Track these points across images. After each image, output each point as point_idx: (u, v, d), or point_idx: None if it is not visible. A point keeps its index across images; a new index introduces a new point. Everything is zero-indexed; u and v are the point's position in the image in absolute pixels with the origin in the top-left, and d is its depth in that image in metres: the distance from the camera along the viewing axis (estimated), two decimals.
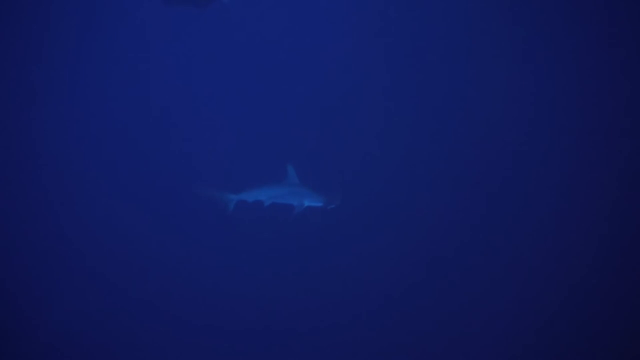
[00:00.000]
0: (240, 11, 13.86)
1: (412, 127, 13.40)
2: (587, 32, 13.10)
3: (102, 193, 13.21)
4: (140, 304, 12.14)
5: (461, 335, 11.78)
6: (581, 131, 12.81)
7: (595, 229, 12.24)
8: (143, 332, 11.85)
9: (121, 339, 11.81)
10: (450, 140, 13.18)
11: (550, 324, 11.71)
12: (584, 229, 12.27)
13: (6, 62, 13.60)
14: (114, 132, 13.73)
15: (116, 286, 12.29)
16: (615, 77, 12.85)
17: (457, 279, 12.18)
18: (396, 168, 13.16)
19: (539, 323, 11.73)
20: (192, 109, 13.97)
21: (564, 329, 11.62)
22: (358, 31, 14.00)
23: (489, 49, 13.44)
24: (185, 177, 13.04)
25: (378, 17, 14.00)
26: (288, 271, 12.41)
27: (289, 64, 14.06)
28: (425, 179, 12.97)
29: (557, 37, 13.24)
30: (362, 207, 12.64)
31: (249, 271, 12.46)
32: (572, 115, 12.95)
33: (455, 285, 12.14)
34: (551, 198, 12.56)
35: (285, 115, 13.72)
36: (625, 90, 12.80)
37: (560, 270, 12.06)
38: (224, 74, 14.17)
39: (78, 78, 14.00)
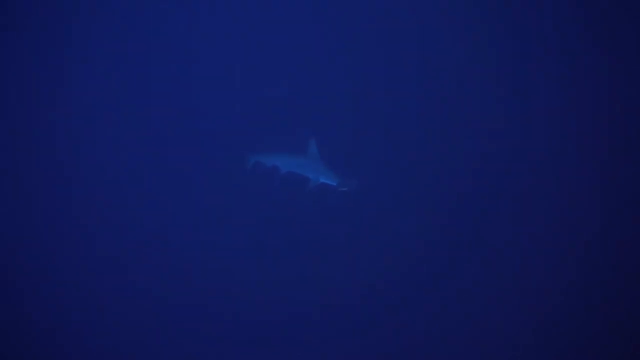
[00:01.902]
0: None
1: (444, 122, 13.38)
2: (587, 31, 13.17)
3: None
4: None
5: (464, 334, 11.86)
6: (582, 131, 12.87)
7: (597, 230, 12.29)
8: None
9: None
10: (476, 135, 13.18)
11: (555, 325, 11.77)
12: (587, 230, 12.33)
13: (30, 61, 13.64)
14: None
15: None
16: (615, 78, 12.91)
17: (466, 276, 12.24)
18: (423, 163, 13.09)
19: (546, 325, 11.79)
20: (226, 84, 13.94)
21: (568, 329, 11.68)
22: (390, 17, 13.91)
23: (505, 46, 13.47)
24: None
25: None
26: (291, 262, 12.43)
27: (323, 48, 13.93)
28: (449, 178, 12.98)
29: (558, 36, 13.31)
30: (379, 196, 12.64)
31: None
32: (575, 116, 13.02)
33: (461, 282, 12.20)
34: (561, 198, 12.62)
35: (316, 92, 13.63)
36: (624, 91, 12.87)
37: (565, 271, 12.11)
38: (258, 51, 14.08)
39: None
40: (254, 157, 12.03)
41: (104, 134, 13.46)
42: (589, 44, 13.07)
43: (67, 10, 13.84)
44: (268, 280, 12.19)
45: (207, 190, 12.96)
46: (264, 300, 12.07)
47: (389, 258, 12.33)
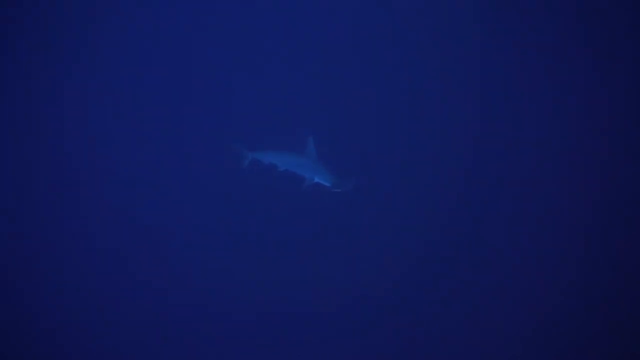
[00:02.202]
0: None
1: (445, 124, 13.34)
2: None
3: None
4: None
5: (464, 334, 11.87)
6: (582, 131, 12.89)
7: (597, 230, 12.30)
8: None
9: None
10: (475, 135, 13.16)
11: (555, 325, 11.77)
12: (587, 230, 12.33)
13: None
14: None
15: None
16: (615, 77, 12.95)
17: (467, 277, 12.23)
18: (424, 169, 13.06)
19: (545, 325, 11.80)
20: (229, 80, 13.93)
21: (568, 329, 11.69)
22: (390, 17, 13.87)
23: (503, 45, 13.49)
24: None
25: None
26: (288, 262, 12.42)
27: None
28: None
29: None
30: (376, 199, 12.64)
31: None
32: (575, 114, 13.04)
33: (462, 282, 12.20)
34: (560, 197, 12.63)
35: (316, 91, 13.59)
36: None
37: (565, 271, 12.12)
38: (259, 50, 14.07)
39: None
40: (252, 154, 12.03)
41: (104, 133, 13.47)
42: (589, 41, 13.11)
43: (68, 9, 13.89)
44: (268, 280, 12.19)
45: (207, 190, 12.98)
46: (264, 301, 12.07)
47: (389, 258, 12.33)
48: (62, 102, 13.48)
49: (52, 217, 12.71)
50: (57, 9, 13.78)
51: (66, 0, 13.79)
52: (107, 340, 11.83)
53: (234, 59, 13.94)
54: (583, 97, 13.01)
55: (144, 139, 13.35)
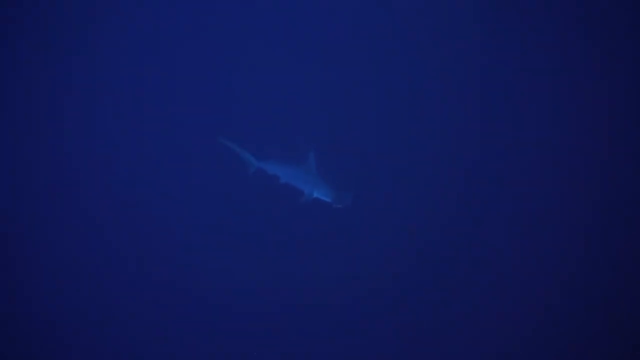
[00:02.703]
0: None
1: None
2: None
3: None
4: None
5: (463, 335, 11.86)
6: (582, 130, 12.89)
7: (597, 230, 12.29)
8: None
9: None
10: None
11: (555, 325, 11.77)
12: (587, 230, 12.32)
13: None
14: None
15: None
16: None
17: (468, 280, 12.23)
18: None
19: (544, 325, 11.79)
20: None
21: (568, 329, 11.69)
22: (396, 30, 13.87)
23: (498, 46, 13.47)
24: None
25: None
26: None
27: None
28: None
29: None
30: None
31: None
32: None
33: (463, 286, 12.19)
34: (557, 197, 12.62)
35: (321, 104, 13.56)
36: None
37: (565, 271, 12.11)
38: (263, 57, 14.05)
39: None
40: (257, 163, 12.09)
41: (104, 133, 13.44)
42: (589, 41, 13.12)
43: (68, 9, 13.88)
44: (268, 280, 12.20)
45: (207, 190, 12.98)
46: (264, 301, 12.08)
47: (388, 258, 12.33)
48: (62, 102, 13.47)
49: (52, 217, 12.71)
50: (57, 9, 13.77)
51: (66, 0, 13.79)
52: (107, 340, 11.86)
53: (235, 59, 13.93)
54: (583, 97, 13.01)
55: (144, 139, 13.35)
